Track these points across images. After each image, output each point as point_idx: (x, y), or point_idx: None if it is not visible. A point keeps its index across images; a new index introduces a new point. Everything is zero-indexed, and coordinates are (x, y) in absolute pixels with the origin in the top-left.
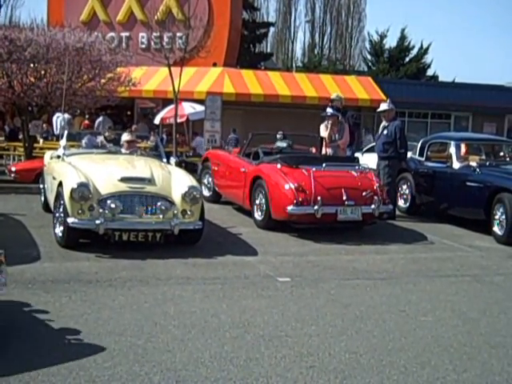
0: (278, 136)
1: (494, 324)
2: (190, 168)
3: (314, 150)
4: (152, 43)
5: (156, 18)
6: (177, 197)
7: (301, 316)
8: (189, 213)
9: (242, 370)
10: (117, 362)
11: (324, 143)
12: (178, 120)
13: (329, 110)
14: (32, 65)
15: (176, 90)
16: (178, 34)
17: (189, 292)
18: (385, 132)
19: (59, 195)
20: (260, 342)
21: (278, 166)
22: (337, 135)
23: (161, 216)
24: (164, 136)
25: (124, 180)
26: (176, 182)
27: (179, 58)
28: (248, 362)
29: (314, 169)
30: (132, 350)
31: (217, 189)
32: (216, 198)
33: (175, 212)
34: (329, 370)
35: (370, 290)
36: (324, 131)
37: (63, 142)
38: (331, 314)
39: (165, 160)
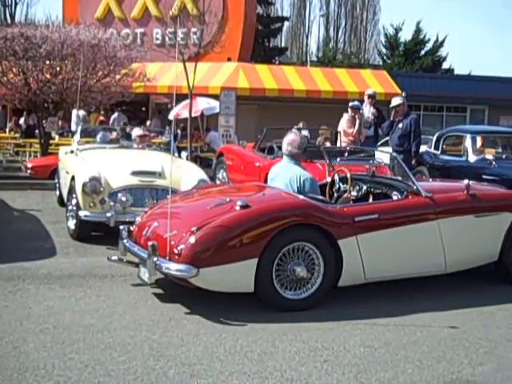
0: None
1: (511, 317)
2: (205, 163)
3: (328, 144)
4: (167, 39)
5: (171, 13)
6: (187, 189)
7: (314, 311)
8: None
9: (257, 363)
10: (132, 357)
11: (348, 137)
12: (193, 115)
13: (356, 103)
14: (47, 62)
15: (190, 85)
16: (193, 30)
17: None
18: (400, 125)
19: (72, 189)
20: (275, 336)
21: None
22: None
23: None
24: (179, 131)
25: (135, 174)
26: (186, 175)
27: (194, 54)
28: (262, 356)
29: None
30: (147, 345)
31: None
32: None
33: None
34: (343, 363)
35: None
36: (350, 126)
37: (77, 137)
38: (346, 308)
39: (176, 154)
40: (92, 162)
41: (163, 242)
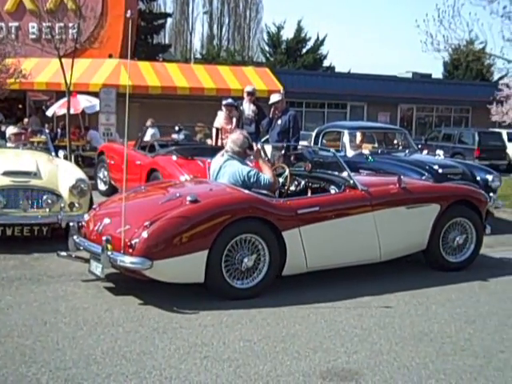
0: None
1: (385, 305)
2: (87, 162)
3: (209, 142)
4: (43, 34)
5: (47, 7)
6: (64, 190)
7: (195, 307)
8: (77, 205)
9: (135, 364)
10: (2, 365)
11: (226, 134)
12: (72, 112)
13: (230, 100)
14: None
15: (68, 82)
16: (71, 25)
17: (82, 288)
18: (279, 122)
19: None
20: (154, 334)
21: (174, 157)
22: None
23: (47, 209)
24: (59, 130)
25: (7, 174)
26: (63, 174)
27: (70, 49)
28: (141, 356)
29: (209, 160)
30: (19, 351)
31: (113, 182)
32: (113, 192)
33: (62, 205)
34: (223, 359)
35: None
36: (228, 123)
37: None
38: (226, 304)
39: (53, 153)
40: None
41: (116, 237)
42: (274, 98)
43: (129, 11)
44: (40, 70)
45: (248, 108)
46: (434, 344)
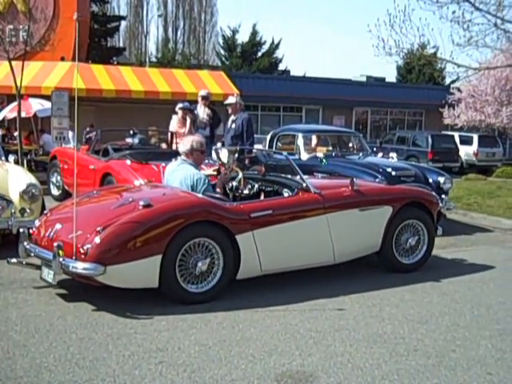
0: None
1: (339, 308)
2: (41, 166)
3: (164, 146)
4: None
5: None
6: (14, 195)
7: (150, 312)
8: (28, 211)
9: (89, 371)
10: None
11: (180, 138)
12: (23, 115)
13: (186, 104)
14: None
15: (18, 85)
16: (21, 27)
17: (33, 295)
18: (233, 126)
19: None
20: (108, 340)
21: (128, 162)
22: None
23: None
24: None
25: None
26: (14, 179)
27: (21, 52)
28: (95, 363)
29: (163, 164)
30: None
31: (66, 187)
32: (66, 197)
33: (13, 211)
34: (177, 364)
35: None
36: (182, 127)
37: None
38: (181, 308)
39: (3, 158)
40: None
41: (68, 243)
42: (231, 99)
43: (75, 13)
44: None
45: (202, 112)
46: (387, 345)
